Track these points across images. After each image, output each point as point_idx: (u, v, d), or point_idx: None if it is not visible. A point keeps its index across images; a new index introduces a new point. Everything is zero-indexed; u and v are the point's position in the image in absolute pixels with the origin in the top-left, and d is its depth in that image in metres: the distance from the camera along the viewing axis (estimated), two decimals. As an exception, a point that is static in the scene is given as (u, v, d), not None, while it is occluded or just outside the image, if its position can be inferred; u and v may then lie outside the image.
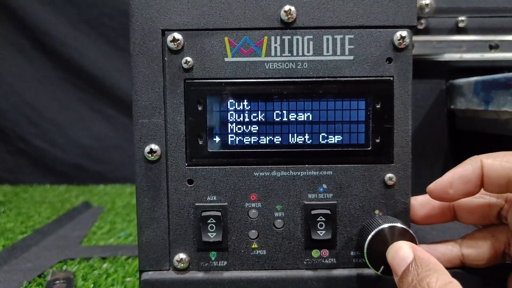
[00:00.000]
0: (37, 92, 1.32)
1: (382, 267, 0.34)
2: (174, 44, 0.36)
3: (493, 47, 0.55)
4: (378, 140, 0.37)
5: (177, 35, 0.36)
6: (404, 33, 0.36)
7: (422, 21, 0.55)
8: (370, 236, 0.34)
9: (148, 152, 0.36)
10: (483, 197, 0.37)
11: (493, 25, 0.56)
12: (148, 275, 0.37)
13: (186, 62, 0.36)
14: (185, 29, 0.36)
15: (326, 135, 0.37)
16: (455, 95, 0.54)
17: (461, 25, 0.55)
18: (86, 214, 0.88)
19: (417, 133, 0.57)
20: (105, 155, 1.30)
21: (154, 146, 0.36)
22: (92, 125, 1.32)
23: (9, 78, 1.30)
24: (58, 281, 0.54)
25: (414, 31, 0.53)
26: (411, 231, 0.34)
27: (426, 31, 0.55)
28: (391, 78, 0.37)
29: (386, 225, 0.34)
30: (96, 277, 0.56)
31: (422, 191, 0.53)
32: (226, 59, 0.36)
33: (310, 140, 0.37)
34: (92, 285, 0.53)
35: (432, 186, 0.35)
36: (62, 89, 1.32)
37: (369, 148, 0.37)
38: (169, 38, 0.36)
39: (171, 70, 0.36)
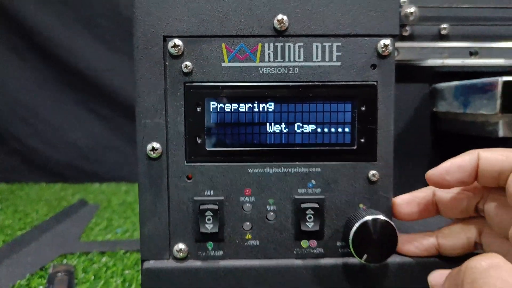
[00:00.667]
0: (32, 92, 1.33)
1: (365, 256, 0.37)
2: (175, 50, 0.38)
3: (473, 53, 0.58)
4: (363, 140, 0.40)
5: (178, 41, 0.38)
6: (387, 41, 0.39)
7: (407, 28, 0.58)
8: (355, 227, 0.37)
9: (150, 150, 0.39)
10: (463, 193, 0.40)
11: (474, 33, 0.59)
12: (150, 264, 0.39)
13: (186, 66, 0.39)
14: (185, 35, 0.39)
15: (315, 135, 0.40)
16: (438, 98, 0.57)
17: (443, 32, 0.59)
18: (83, 212, 0.91)
19: (403, 134, 0.60)
20: (100, 155, 1.32)
21: (156, 144, 0.39)
22: (87, 125, 1.33)
23: (3, 79, 1.32)
24: (60, 274, 0.57)
25: (399, 38, 0.57)
26: (392, 223, 0.38)
27: (411, 38, 0.58)
28: (375, 83, 0.40)
29: (369, 217, 0.37)
30: (96, 270, 0.58)
31: (409, 188, 0.57)
32: (223, 64, 0.39)
33: (300, 139, 0.40)
34: (93, 277, 0.56)
35: (430, 172, 0.38)
36: (57, 89, 1.34)
37: (354, 147, 0.40)
38: (170, 44, 0.38)
39: (171, 74, 0.39)
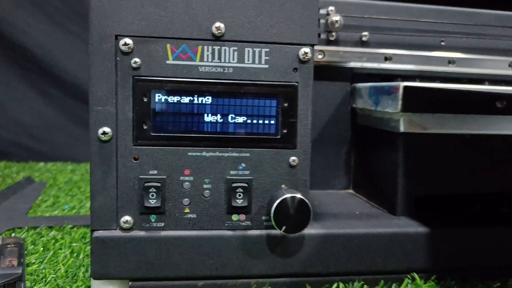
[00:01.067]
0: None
1: (284, 227, 0.45)
2: (125, 48, 0.44)
3: (387, 58, 0.68)
4: (285, 131, 0.48)
5: (128, 40, 0.44)
6: (307, 49, 0.47)
7: (333, 34, 0.66)
8: (276, 203, 0.45)
9: (102, 134, 0.44)
10: None
11: (389, 41, 0.68)
12: (99, 233, 0.45)
13: (135, 62, 0.45)
14: (135, 35, 0.44)
15: (245, 125, 0.47)
16: (356, 96, 0.66)
17: (364, 39, 0.68)
18: (29, 189, 0.94)
19: (327, 125, 0.68)
20: (47, 134, 1.33)
21: (107, 129, 0.44)
22: (34, 104, 1.33)
23: None
24: (9, 246, 0.61)
25: (326, 42, 0.65)
26: (307, 201, 0.46)
27: (336, 43, 0.67)
28: (296, 84, 0.47)
29: (288, 195, 0.45)
30: (44, 242, 0.63)
31: (330, 171, 0.66)
32: (167, 62, 0.45)
33: (233, 129, 0.47)
34: (42, 248, 0.61)
35: None
36: (4, 66, 1.32)
37: (278, 137, 0.48)
38: (121, 42, 0.44)
39: (122, 68, 0.45)
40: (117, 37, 0.44)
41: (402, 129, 0.55)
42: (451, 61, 0.69)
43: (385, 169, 0.59)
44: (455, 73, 0.70)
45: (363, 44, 0.68)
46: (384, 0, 0.70)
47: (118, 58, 0.44)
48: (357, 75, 0.68)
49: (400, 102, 0.53)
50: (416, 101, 0.53)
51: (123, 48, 0.44)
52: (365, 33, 0.67)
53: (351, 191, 0.69)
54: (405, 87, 0.53)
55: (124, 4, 0.44)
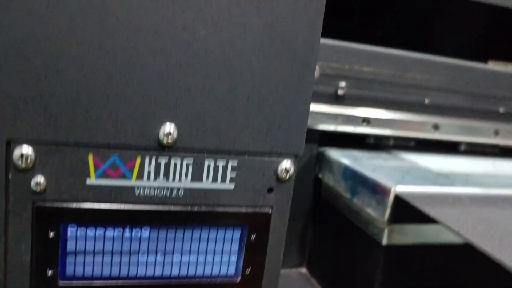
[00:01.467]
0: None
1: None
2: (23, 162, 0.29)
3: (365, 121, 0.57)
4: (248, 271, 0.35)
5: (27, 149, 0.29)
6: (289, 164, 0.34)
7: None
8: None
9: (-21, 291, 0.30)
10: None
11: (368, 96, 0.57)
12: None
13: (38, 183, 0.29)
14: (38, 142, 0.29)
15: (195, 267, 0.34)
16: (325, 167, 0.55)
17: (340, 92, 0.56)
18: None
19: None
20: None
21: (-12, 282, 0.30)
22: None
23: None
24: None
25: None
26: None
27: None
28: (270, 211, 0.35)
29: None
30: None
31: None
32: (88, 181, 0.31)
33: (178, 272, 0.34)
34: None
35: None
36: None
37: (238, 280, 0.35)
38: (17, 152, 0.29)
39: (17, 192, 0.29)
40: (10, 144, 0.29)
41: (384, 242, 0.45)
42: (435, 126, 0.60)
43: (356, 274, 0.49)
44: (435, 140, 0.61)
45: (338, 98, 0.56)
46: (365, 44, 0.57)
47: (11, 177, 0.29)
48: (325, 136, 0.56)
49: (388, 211, 0.43)
50: (409, 211, 0.43)
51: (19, 162, 0.29)
52: (342, 84, 0.55)
53: (304, 270, 0.59)
54: (397, 197, 0.42)
55: (22, 91, 0.28)
